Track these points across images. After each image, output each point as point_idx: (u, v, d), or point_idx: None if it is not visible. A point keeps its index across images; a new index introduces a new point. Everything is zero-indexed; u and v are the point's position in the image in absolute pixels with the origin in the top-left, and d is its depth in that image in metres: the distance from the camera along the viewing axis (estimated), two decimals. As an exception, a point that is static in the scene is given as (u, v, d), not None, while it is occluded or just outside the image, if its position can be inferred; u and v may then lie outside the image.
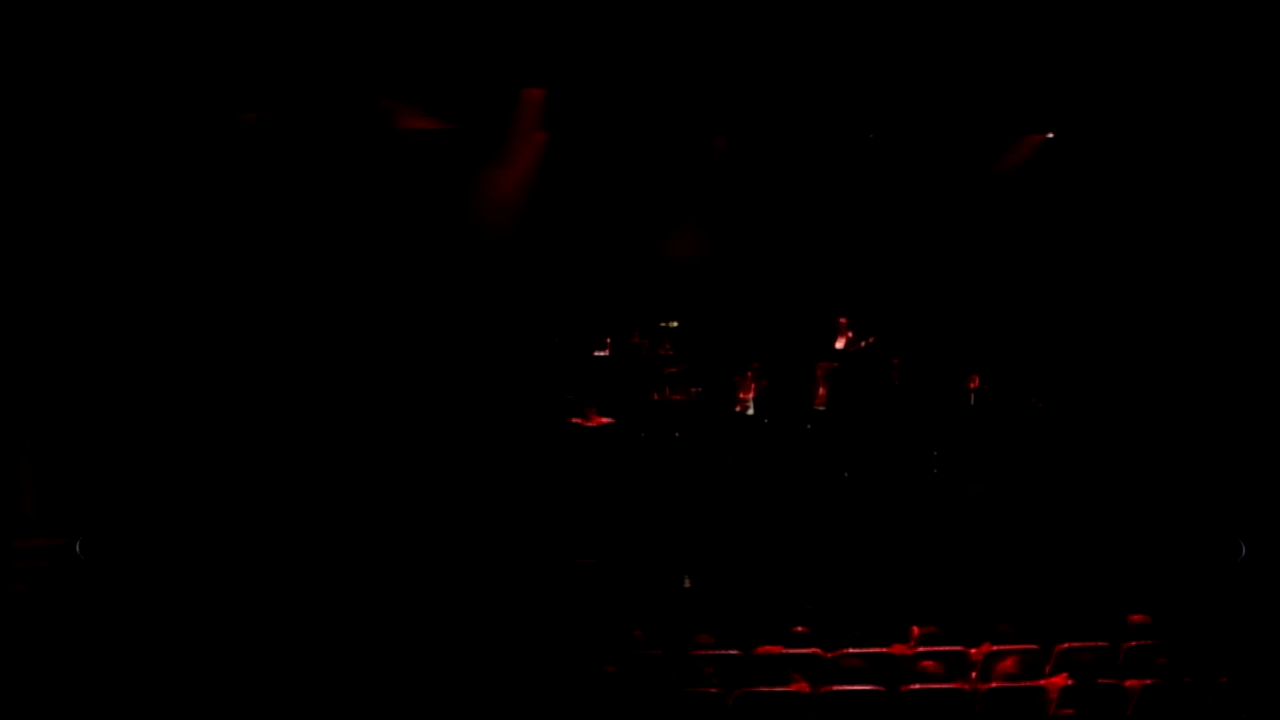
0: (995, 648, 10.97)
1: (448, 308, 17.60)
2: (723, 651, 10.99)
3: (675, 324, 17.84)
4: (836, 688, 10.08)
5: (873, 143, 17.71)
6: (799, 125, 17.18)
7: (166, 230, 16.18)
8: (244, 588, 12.81)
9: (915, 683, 10.23)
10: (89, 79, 14.91)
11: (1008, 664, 10.49)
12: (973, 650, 11.02)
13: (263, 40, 14.99)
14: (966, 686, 10.27)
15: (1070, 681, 10.16)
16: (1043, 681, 10.27)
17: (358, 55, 15.42)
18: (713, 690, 10.03)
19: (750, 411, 16.90)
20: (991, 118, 16.84)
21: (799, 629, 11.58)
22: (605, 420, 16.42)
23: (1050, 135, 17.30)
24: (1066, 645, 10.89)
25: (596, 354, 17.42)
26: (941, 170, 17.84)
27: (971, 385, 16.78)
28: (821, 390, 16.88)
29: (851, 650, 10.95)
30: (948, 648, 11.08)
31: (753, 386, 16.78)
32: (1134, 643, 10.99)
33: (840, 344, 17.29)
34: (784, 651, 10.98)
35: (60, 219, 15.46)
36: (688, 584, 13.89)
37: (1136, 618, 11.43)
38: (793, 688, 10.12)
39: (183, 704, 9.93)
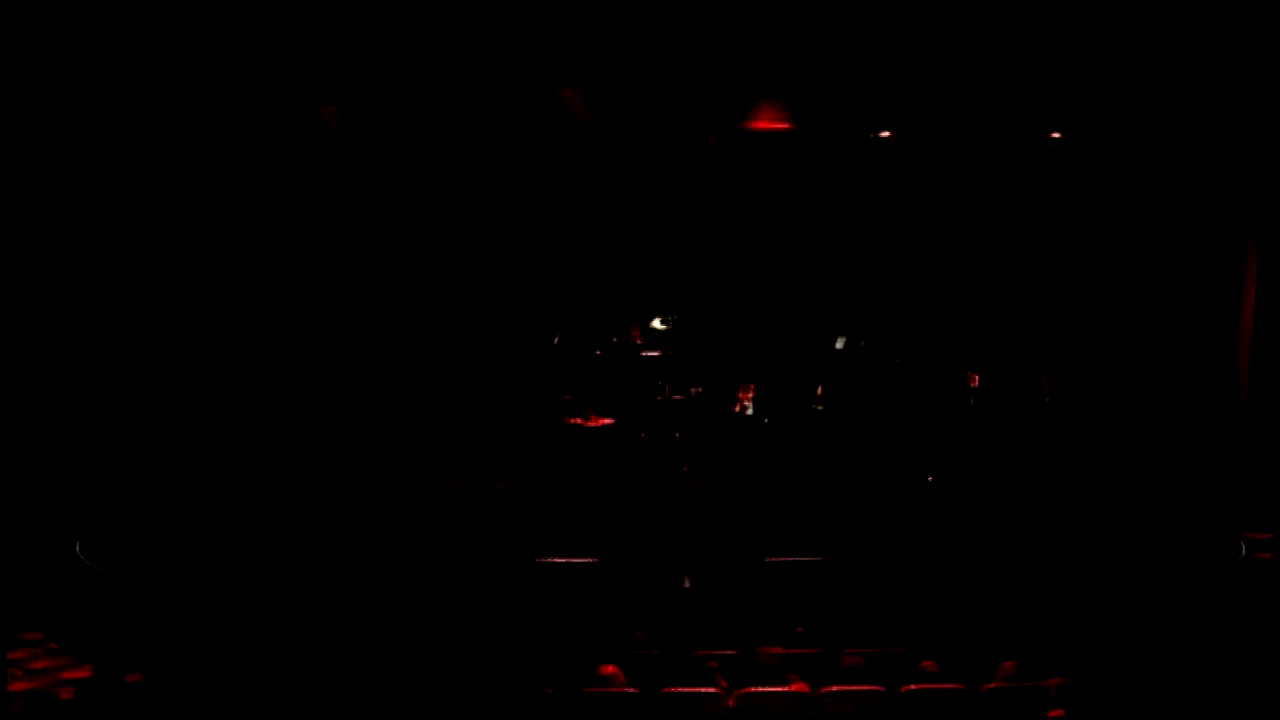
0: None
1: (447, 307, 17.60)
2: (722, 651, 10.99)
3: (675, 318, 17.83)
4: (836, 688, 10.09)
5: (874, 142, 17.75)
6: (798, 122, 17.19)
7: (166, 230, 16.19)
8: (244, 587, 12.80)
9: (915, 683, 10.24)
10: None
11: (1008, 664, 10.49)
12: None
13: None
14: (966, 686, 10.28)
15: (1069, 681, 10.17)
16: (1043, 681, 10.27)
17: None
18: (712, 690, 10.04)
19: (749, 411, 16.91)
20: (996, 118, 16.87)
21: (799, 629, 11.59)
22: (605, 420, 16.42)
23: (1057, 135, 17.37)
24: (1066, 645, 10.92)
25: (596, 353, 17.41)
26: (941, 169, 17.86)
27: (971, 384, 16.80)
28: (820, 390, 16.86)
29: (851, 650, 10.95)
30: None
31: (752, 386, 16.77)
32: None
33: (840, 344, 17.28)
34: (783, 652, 10.98)
35: (55, 219, 15.47)
36: (687, 584, 13.88)
37: None
38: (793, 688, 10.12)
39: (184, 704, 9.93)
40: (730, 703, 9.90)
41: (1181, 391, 16.73)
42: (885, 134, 17.57)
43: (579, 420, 16.41)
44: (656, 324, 17.65)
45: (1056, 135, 17.22)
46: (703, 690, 10.03)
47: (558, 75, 16.09)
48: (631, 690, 10.02)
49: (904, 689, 10.06)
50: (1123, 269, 17.32)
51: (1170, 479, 15.68)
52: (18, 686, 11.37)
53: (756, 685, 10.12)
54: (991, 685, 10.25)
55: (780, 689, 10.10)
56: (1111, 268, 17.36)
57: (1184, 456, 16.02)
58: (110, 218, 15.85)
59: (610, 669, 10.30)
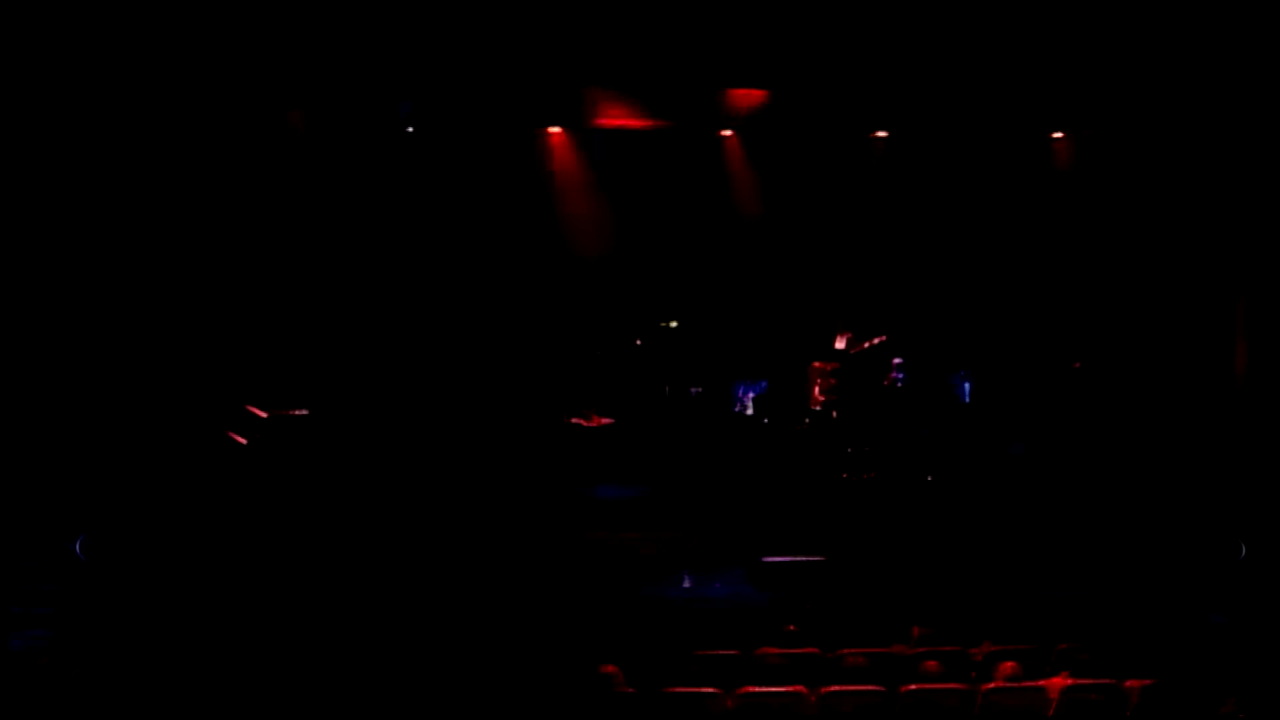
0: (995, 648, 10.97)
1: (447, 307, 17.61)
2: (723, 652, 10.98)
3: (675, 324, 17.83)
4: (836, 688, 10.07)
5: (876, 142, 17.78)
6: (807, 123, 17.24)
7: (167, 230, 16.19)
8: (244, 586, 12.81)
9: (915, 683, 10.23)
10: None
11: (1008, 666, 10.48)
12: (973, 649, 11.02)
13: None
14: (966, 686, 10.26)
15: (1070, 681, 10.16)
16: (1043, 682, 10.26)
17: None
18: (712, 691, 10.02)
19: (749, 411, 16.92)
20: (1001, 117, 16.88)
21: (790, 628, 11.60)
22: (605, 420, 16.42)
23: (1059, 135, 17.41)
24: (1066, 645, 10.91)
25: (596, 354, 17.42)
26: (944, 169, 17.88)
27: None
28: (819, 390, 16.84)
29: (852, 650, 10.94)
30: (948, 648, 11.08)
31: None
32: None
33: (840, 344, 17.26)
34: (784, 651, 10.97)
35: (61, 219, 15.47)
36: (687, 584, 13.88)
37: None
38: (793, 688, 10.10)
39: (184, 704, 9.93)
40: (729, 703, 9.89)
41: (1181, 389, 16.70)
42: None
43: (579, 420, 16.41)
44: (657, 325, 17.67)
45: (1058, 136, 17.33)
46: (703, 690, 10.01)
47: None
48: (630, 690, 10.02)
49: (904, 689, 10.05)
50: (1122, 272, 17.35)
51: (1171, 478, 15.67)
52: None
53: (757, 685, 10.10)
54: (992, 685, 10.25)
55: (780, 688, 10.09)
56: (1111, 271, 17.40)
57: (1185, 455, 16.01)
58: (109, 218, 15.84)
59: (610, 669, 10.29)
